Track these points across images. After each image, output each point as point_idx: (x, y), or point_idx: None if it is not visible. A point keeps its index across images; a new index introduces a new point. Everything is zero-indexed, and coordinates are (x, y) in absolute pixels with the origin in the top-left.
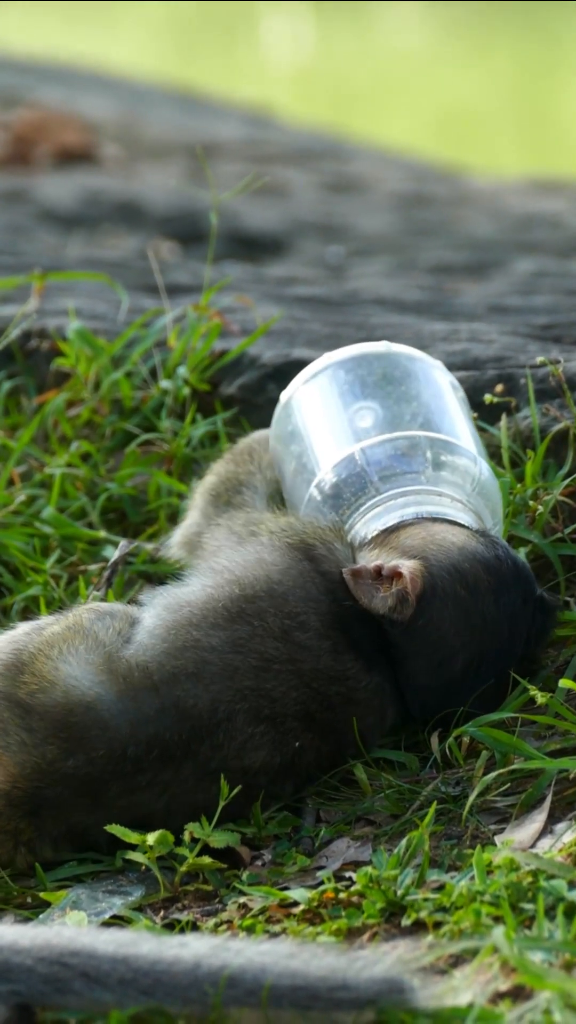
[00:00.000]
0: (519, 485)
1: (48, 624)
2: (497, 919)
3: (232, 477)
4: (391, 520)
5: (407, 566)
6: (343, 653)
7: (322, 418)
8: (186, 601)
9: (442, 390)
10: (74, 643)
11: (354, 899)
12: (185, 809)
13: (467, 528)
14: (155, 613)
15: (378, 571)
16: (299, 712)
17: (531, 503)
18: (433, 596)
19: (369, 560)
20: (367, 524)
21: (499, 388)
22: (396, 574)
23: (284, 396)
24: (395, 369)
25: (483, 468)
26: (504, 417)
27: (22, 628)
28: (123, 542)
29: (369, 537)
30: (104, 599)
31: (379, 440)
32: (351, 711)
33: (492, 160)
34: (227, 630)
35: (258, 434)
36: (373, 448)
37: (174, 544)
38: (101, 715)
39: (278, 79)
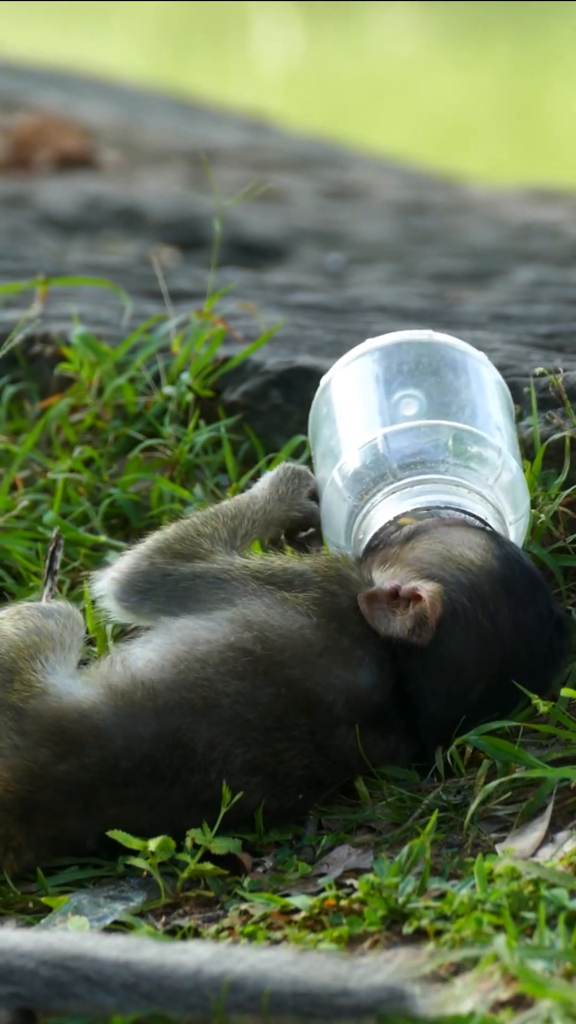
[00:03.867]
0: None
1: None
2: (498, 928)
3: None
4: (405, 508)
5: (426, 589)
6: (365, 731)
7: (356, 403)
8: (204, 639)
9: (482, 380)
10: (47, 653)
11: (355, 906)
12: (172, 830)
13: (483, 530)
14: (168, 639)
15: (394, 592)
16: (306, 776)
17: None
18: (453, 622)
19: (384, 580)
20: (381, 510)
21: None
22: (415, 596)
23: (324, 380)
24: (435, 358)
25: (509, 462)
26: None
27: None
28: (56, 530)
29: (382, 535)
30: (52, 590)
31: (403, 427)
32: (363, 768)
33: (486, 167)
34: (245, 681)
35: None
36: (396, 435)
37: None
38: (95, 723)
39: (270, 83)
